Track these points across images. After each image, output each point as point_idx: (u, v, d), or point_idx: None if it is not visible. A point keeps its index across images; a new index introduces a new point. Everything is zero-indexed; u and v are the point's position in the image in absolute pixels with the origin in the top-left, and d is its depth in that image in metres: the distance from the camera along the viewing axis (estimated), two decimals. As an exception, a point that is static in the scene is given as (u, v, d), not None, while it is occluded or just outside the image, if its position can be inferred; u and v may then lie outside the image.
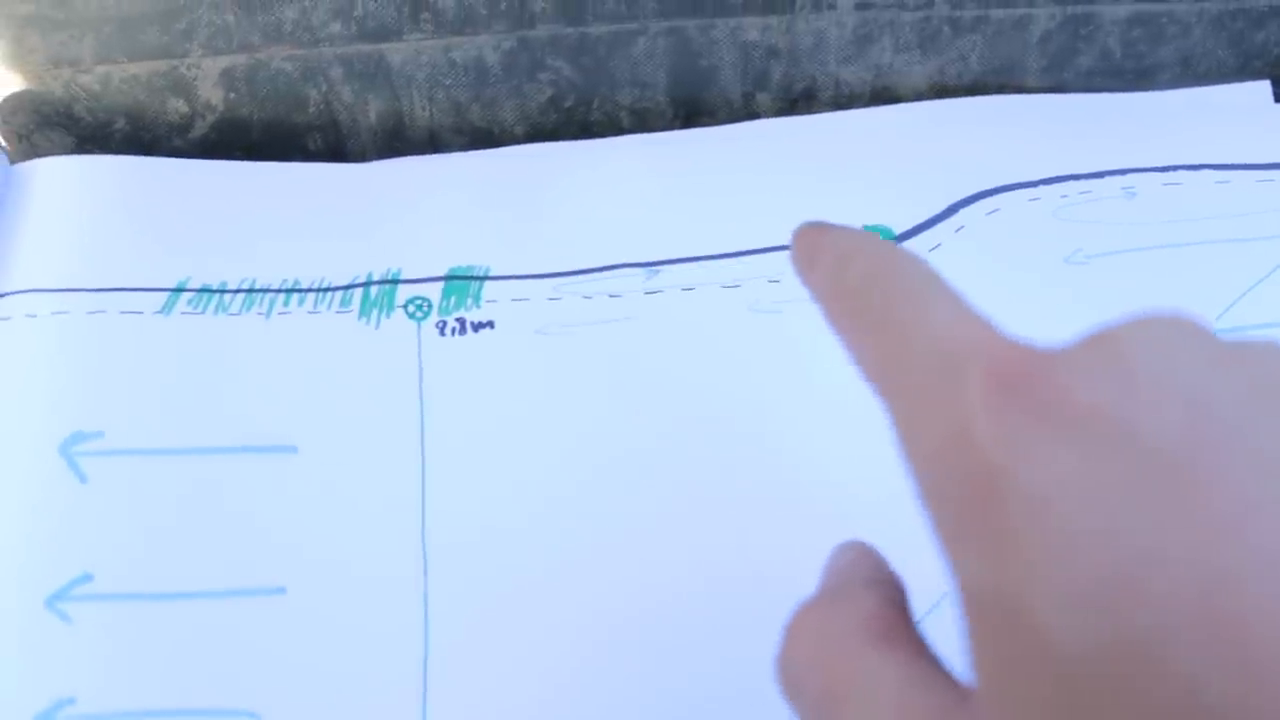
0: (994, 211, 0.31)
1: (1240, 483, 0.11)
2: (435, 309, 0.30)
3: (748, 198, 0.32)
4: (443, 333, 0.30)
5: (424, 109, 0.33)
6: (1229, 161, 0.33)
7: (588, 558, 0.26)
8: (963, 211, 0.31)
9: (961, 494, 0.13)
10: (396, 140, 0.33)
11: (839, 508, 0.27)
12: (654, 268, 0.31)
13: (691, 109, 0.33)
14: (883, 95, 0.34)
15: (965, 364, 0.13)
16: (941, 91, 0.34)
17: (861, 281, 0.16)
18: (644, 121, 0.33)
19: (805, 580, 0.26)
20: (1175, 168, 0.33)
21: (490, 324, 0.30)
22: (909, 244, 0.31)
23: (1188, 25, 0.34)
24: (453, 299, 0.30)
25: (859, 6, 0.32)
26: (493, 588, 0.26)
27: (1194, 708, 0.10)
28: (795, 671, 0.15)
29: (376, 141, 0.33)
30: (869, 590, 0.16)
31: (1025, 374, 0.13)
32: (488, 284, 0.30)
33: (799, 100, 0.34)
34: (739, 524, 0.27)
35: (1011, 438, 0.12)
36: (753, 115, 0.34)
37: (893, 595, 0.16)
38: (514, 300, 0.30)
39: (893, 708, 0.14)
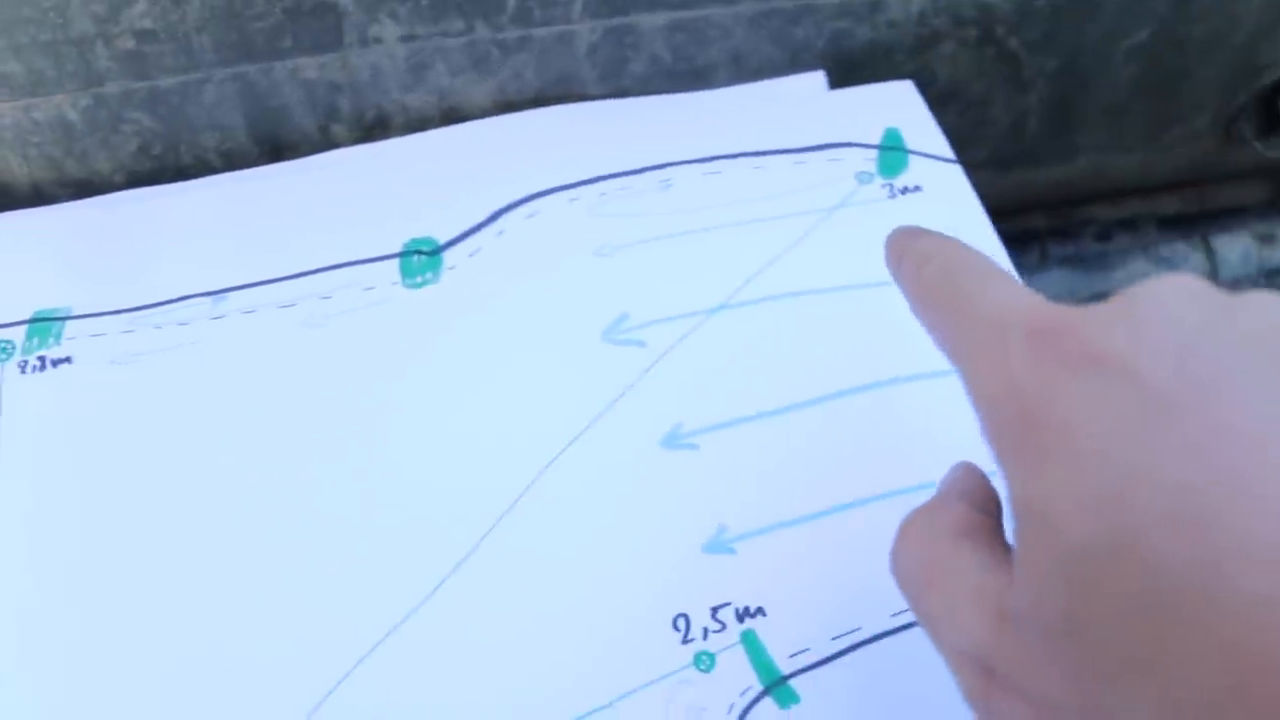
0: (534, 214, 0.34)
1: (1213, 413, 0.14)
2: (19, 350, 0.33)
3: (312, 222, 0.34)
4: (24, 371, 0.32)
5: (21, 166, 0.35)
6: (768, 148, 0.36)
7: (162, 574, 0.29)
8: (504, 217, 0.34)
9: (1008, 426, 0.17)
10: (3, 198, 0.36)
11: (390, 497, 0.30)
12: (220, 295, 0.33)
13: (274, 145, 0.36)
14: (451, 115, 0.37)
15: (1011, 325, 0.17)
16: (507, 107, 0.37)
17: (936, 276, 0.20)
18: (233, 161, 0.36)
19: (373, 575, 0.28)
20: (714, 158, 0.36)
21: (69, 359, 0.32)
22: (450, 252, 0.34)
23: (727, 28, 0.36)
24: (35, 340, 0.33)
25: (404, 39, 0.35)
26: (59, 612, 0.28)
27: (1154, 584, 0.14)
28: (901, 563, 0.20)
29: (-15, 199, 0.36)
30: (962, 498, 0.20)
31: (1056, 328, 0.17)
32: (69, 323, 0.33)
33: (374, 128, 0.36)
34: (316, 521, 0.30)
35: (1044, 379, 0.16)
36: (333, 145, 0.36)
37: (983, 503, 0.20)
38: (92, 336, 0.33)
39: (970, 586, 0.18)
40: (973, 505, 0.20)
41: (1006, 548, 0.19)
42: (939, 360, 0.32)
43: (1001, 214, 0.35)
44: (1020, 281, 0.19)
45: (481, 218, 0.34)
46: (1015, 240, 0.50)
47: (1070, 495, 0.15)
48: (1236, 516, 0.14)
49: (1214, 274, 0.50)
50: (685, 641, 0.28)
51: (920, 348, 0.32)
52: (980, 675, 0.17)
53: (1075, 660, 0.15)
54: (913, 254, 0.21)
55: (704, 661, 0.28)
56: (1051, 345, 0.16)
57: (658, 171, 0.35)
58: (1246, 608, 0.13)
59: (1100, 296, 0.49)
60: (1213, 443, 0.14)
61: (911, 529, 0.20)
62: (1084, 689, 0.15)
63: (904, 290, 0.22)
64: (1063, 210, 0.51)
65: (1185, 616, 0.14)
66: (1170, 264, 0.49)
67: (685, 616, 0.29)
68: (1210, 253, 0.50)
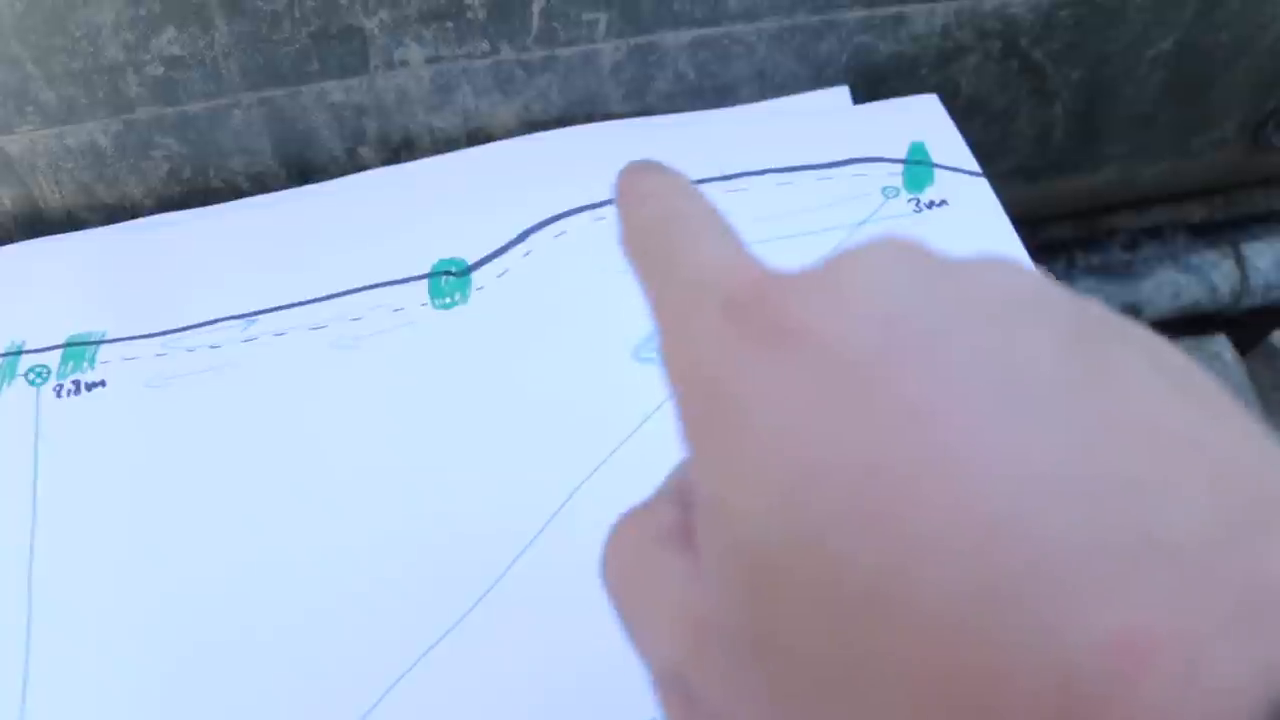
0: (561, 234, 0.34)
1: (914, 390, 0.12)
2: (54, 374, 0.33)
3: (340, 244, 0.35)
4: (59, 395, 0.32)
5: (54, 192, 0.36)
6: (794, 164, 0.36)
7: (194, 595, 0.29)
8: (532, 237, 0.34)
9: (693, 408, 0.14)
10: (37, 222, 0.36)
11: (424, 517, 0.30)
12: (251, 318, 0.33)
13: (302, 168, 0.37)
14: (477, 135, 0.37)
15: (710, 293, 0.15)
16: (532, 126, 0.37)
17: (649, 222, 0.18)
18: (261, 184, 0.36)
19: (408, 592, 0.28)
20: (739, 175, 0.36)
21: (103, 383, 0.33)
22: (479, 273, 0.34)
23: (751, 44, 0.37)
24: (70, 364, 0.33)
25: (430, 60, 0.35)
26: (99, 630, 0.28)
27: (840, 589, 0.12)
28: (606, 572, 0.17)
29: (18, 224, 0.36)
30: (671, 500, 0.17)
31: (754, 299, 0.14)
32: (103, 347, 0.33)
33: (400, 149, 0.37)
34: (348, 541, 0.30)
35: (732, 356, 0.14)
36: (361, 167, 0.37)
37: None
38: (125, 359, 0.33)
39: (672, 599, 0.15)
40: (684, 504, 0.17)
41: None
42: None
43: (1028, 223, 0.35)
44: (742, 242, 0.17)
45: (509, 238, 0.34)
46: (1042, 250, 0.49)
47: (751, 489, 0.13)
48: (926, 506, 0.12)
49: (1245, 281, 0.50)
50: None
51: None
52: (682, 704, 0.15)
53: (766, 681, 0.13)
54: (632, 192, 0.19)
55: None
56: (744, 318, 0.14)
57: (684, 189, 0.35)
58: (938, 611, 0.11)
59: (1129, 307, 0.48)
60: (908, 424, 0.12)
61: (619, 533, 0.17)
62: (779, 713, 0.13)
63: (617, 231, 0.19)
64: (1089, 219, 0.51)
65: (874, 626, 0.12)
66: (1200, 271, 0.49)
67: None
68: (1240, 260, 0.49)
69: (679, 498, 0.17)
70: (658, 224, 0.17)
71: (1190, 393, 0.13)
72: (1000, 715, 0.11)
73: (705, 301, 0.15)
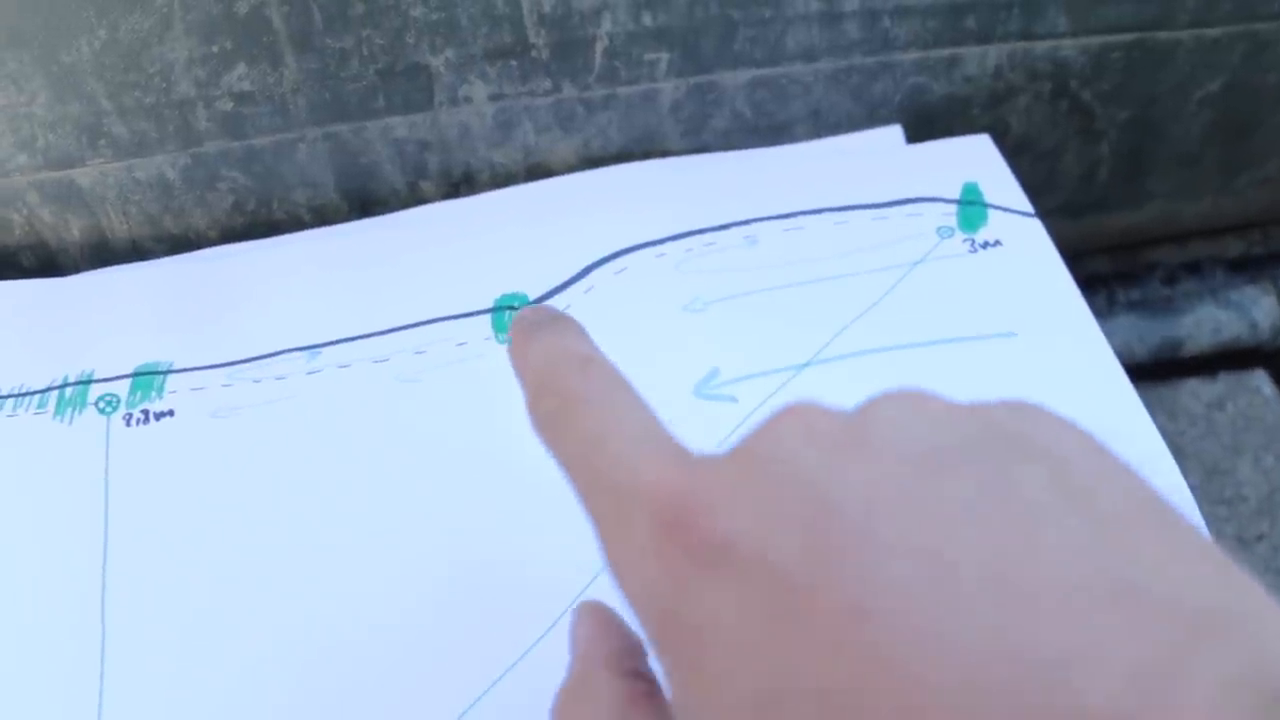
0: (622, 270, 0.35)
1: (847, 592, 0.12)
2: (123, 403, 0.33)
3: (403, 277, 0.35)
4: (129, 424, 0.33)
5: (121, 223, 0.36)
6: (849, 203, 0.36)
7: (265, 628, 0.30)
8: (593, 273, 0.35)
9: (654, 627, 0.15)
10: (104, 251, 0.37)
11: (489, 553, 0.30)
12: (315, 350, 0.34)
13: (364, 201, 0.37)
14: (536, 171, 0.37)
15: (635, 504, 0.15)
16: (590, 162, 0.37)
17: (560, 408, 0.18)
18: (323, 216, 0.37)
19: (472, 628, 0.29)
20: (797, 214, 0.36)
21: (171, 412, 0.33)
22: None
23: (807, 84, 0.37)
24: (139, 393, 0.34)
25: (492, 98, 0.35)
26: (170, 657, 0.29)
27: None
28: None
29: (85, 253, 0.37)
30: (609, 667, 0.17)
31: (682, 513, 0.14)
32: (170, 377, 0.34)
33: (460, 183, 0.37)
34: (413, 575, 0.30)
35: (677, 578, 0.14)
36: (421, 201, 0.37)
37: (633, 664, 0.18)
38: (192, 389, 0.34)
39: None
40: (622, 672, 0.17)
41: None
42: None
43: (1067, 258, 0.35)
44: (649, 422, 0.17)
45: (571, 274, 0.35)
46: (1082, 286, 0.50)
47: (721, 706, 0.13)
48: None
49: (1283, 318, 0.50)
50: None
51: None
52: None
53: None
54: (531, 374, 0.19)
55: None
56: (679, 538, 0.14)
57: (743, 227, 0.36)
58: None
59: (1169, 342, 0.48)
60: (848, 631, 0.12)
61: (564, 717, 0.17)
62: None
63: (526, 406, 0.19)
64: (1128, 253, 0.51)
65: None
66: (1240, 307, 0.49)
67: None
68: (1280, 296, 0.50)
69: (615, 664, 0.17)
70: (570, 410, 0.18)
71: (1101, 515, 0.13)
72: None
73: (635, 515, 0.15)
